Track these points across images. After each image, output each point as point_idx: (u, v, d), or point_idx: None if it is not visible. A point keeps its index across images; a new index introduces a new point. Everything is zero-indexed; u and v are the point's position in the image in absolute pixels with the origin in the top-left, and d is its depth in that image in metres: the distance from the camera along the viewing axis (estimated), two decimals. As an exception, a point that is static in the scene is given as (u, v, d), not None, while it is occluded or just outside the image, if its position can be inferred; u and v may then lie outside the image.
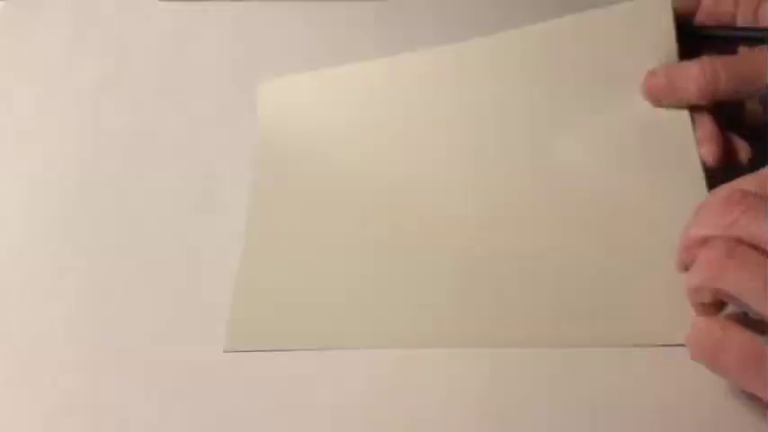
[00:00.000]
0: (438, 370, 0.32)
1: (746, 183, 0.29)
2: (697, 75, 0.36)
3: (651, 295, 0.34)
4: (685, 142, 0.37)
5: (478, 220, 0.37)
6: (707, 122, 0.37)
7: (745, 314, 0.28)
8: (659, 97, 0.37)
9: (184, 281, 0.35)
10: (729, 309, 0.30)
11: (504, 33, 0.40)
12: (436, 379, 0.31)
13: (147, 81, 0.46)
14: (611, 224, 0.36)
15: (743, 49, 0.38)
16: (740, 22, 0.39)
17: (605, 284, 0.34)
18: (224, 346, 0.32)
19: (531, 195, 0.38)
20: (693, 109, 0.37)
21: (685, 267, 0.31)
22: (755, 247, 0.27)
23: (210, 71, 0.47)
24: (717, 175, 0.35)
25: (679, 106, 0.37)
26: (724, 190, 0.30)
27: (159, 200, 0.39)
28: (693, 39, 0.39)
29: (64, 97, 0.45)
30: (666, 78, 0.37)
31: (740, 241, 0.27)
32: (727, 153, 0.37)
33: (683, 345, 0.30)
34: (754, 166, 0.34)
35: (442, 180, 0.39)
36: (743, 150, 0.38)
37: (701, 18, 0.39)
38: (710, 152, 0.36)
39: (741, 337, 0.28)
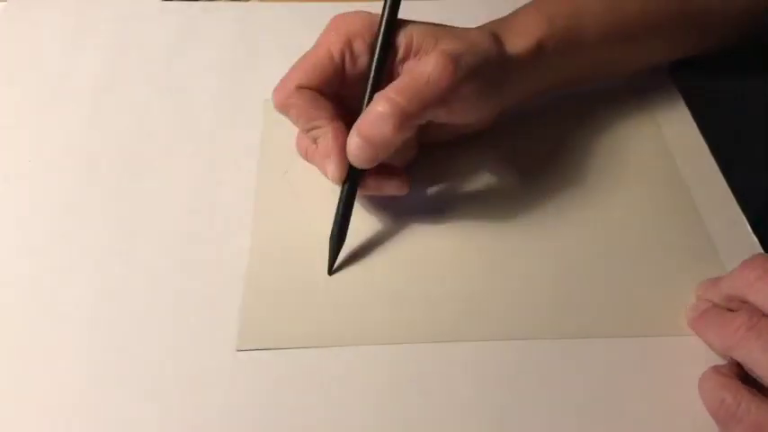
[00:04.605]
0: (443, 363, 0.32)
1: None
2: (380, 113, 0.33)
3: (644, 291, 0.35)
4: (668, 163, 0.40)
5: (480, 222, 0.38)
6: (329, 138, 0.34)
7: None
8: (370, 159, 0.34)
9: (188, 281, 0.35)
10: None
11: None
12: (441, 372, 0.32)
13: (148, 81, 0.46)
14: (608, 228, 0.38)
15: (408, 65, 0.35)
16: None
17: (603, 281, 0.35)
18: (236, 346, 0.33)
19: (535, 199, 0.39)
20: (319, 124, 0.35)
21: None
22: None
23: (211, 71, 0.47)
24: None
25: (389, 150, 0.34)
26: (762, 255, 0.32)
27: (160, 201, 0.39)
28: None
29: (64, 97, 0.45)
30: (359, 137, 0.33)
31: (761, 312, 0.29)
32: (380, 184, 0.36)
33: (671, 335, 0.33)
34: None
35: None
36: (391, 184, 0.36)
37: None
38: (329, 170, 0.35)
39: None
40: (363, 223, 0.37)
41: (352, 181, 0.35)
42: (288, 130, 0.37)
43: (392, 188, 0.36)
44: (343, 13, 0.36)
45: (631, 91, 0.44)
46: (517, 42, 0.37)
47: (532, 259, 0.36)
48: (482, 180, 0.40)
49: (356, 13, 0.36)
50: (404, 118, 0.33)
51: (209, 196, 0.39)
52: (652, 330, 0.33)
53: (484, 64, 0.35)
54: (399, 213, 0.38)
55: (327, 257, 0.36)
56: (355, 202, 0.36)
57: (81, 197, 0.39)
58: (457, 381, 0.32)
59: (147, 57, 0.48)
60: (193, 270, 0.36)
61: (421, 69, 0.34)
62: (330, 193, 0.38)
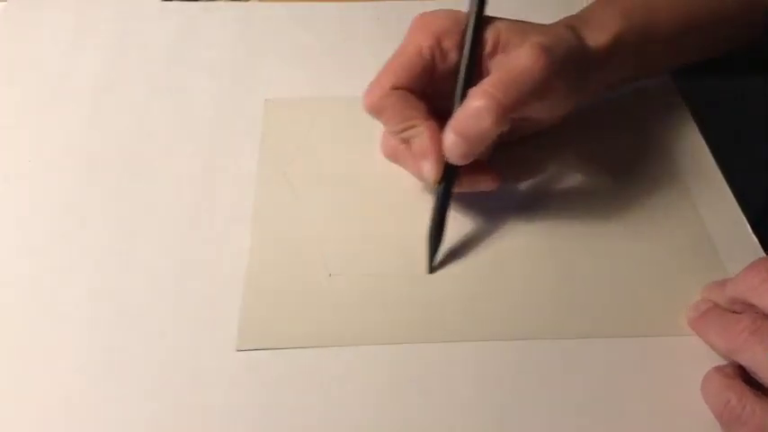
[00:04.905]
0: (443, 363, 0.32)
1: None
2: (478, 108, 0.33)
3: (645, 291, 0.35)
4: (668, 163, 0.40)
5: (481, 222, 0.38)
6: (426, 138, 0.34)
7: None
8: (467, 155, 0.34)
9: (188, 281, 0.35)
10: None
11: None
12: (441, 372, 0.32)
13: (148, 81, 0.46)
14: (607, 228, 0.38)
15: (498, 60, 0.35)
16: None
17: (604, 281, 0.35)
18: (236, 346, 0.33)
19: (536, 200, 0.39)
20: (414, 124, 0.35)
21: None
22: None
23: (211, 71, 0.47)
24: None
25: (485, 144, 0.34)
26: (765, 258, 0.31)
27: (160, 201, 0.39)
28: None
29: (64, 97, 0.45)
30: (456, 133, 0.33)
31: (765, 315, 0.29)
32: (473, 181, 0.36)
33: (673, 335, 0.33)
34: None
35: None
36: (485, 180, 0.36)
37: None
38: (426, 170, 0.35)
39: None
40: (364, 225, 0.38)
41: (448, 179, 0.35)
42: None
43: (486, 184, 0.37)
44: (427, 13, 0.36)
45: (631, 91, 0.44)
46: (596, 37, 0.37)
47: (533, 260, 0.36)
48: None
49: (440, 11, 0.36)
50: (501, 111, 0.33)
51: (210, 196, 0.39)
52: (652, 330, 0.33)
53: (571, 57, 0.35)
54: (401, 214, 0.38)
55: (324, 258, 0.36)
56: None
57: (81, 197, 0.39)
58: (457, 381, 0.32)
59: (147, 57, 0.48)
60: (193, 270, 0.36)
61: (514, 62, 0.34)
62: (330, 194, 0.39)
